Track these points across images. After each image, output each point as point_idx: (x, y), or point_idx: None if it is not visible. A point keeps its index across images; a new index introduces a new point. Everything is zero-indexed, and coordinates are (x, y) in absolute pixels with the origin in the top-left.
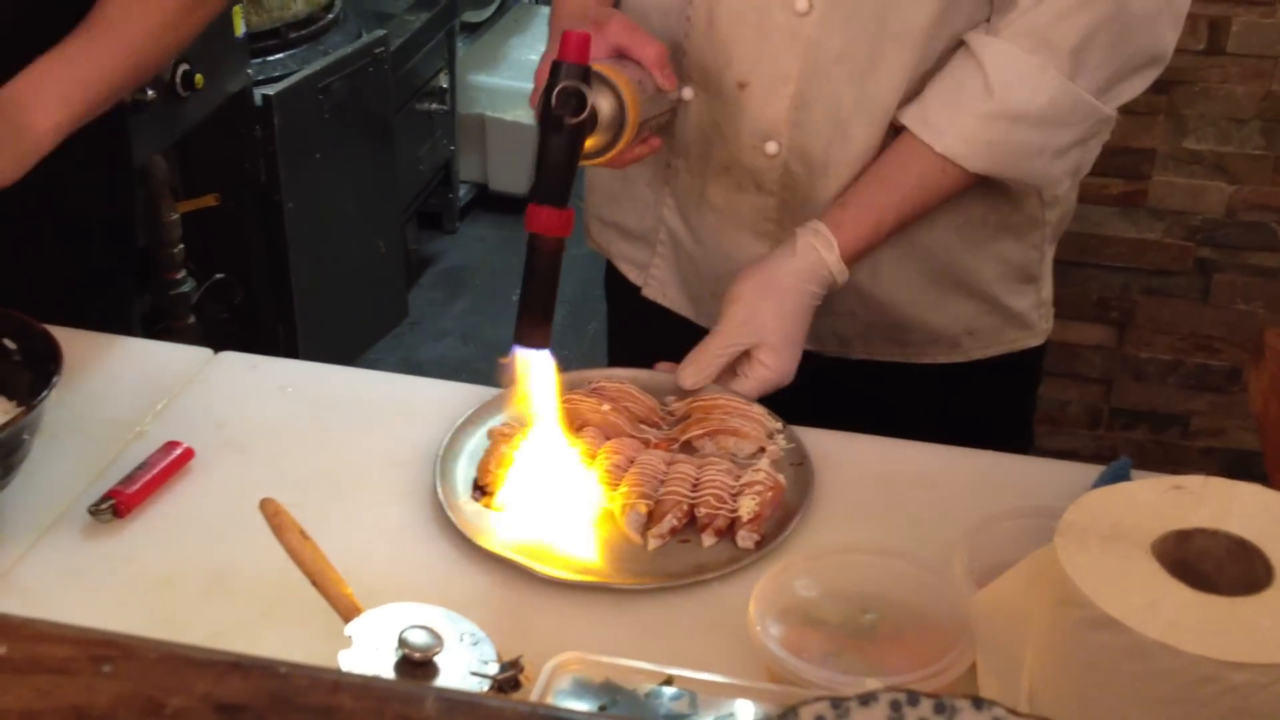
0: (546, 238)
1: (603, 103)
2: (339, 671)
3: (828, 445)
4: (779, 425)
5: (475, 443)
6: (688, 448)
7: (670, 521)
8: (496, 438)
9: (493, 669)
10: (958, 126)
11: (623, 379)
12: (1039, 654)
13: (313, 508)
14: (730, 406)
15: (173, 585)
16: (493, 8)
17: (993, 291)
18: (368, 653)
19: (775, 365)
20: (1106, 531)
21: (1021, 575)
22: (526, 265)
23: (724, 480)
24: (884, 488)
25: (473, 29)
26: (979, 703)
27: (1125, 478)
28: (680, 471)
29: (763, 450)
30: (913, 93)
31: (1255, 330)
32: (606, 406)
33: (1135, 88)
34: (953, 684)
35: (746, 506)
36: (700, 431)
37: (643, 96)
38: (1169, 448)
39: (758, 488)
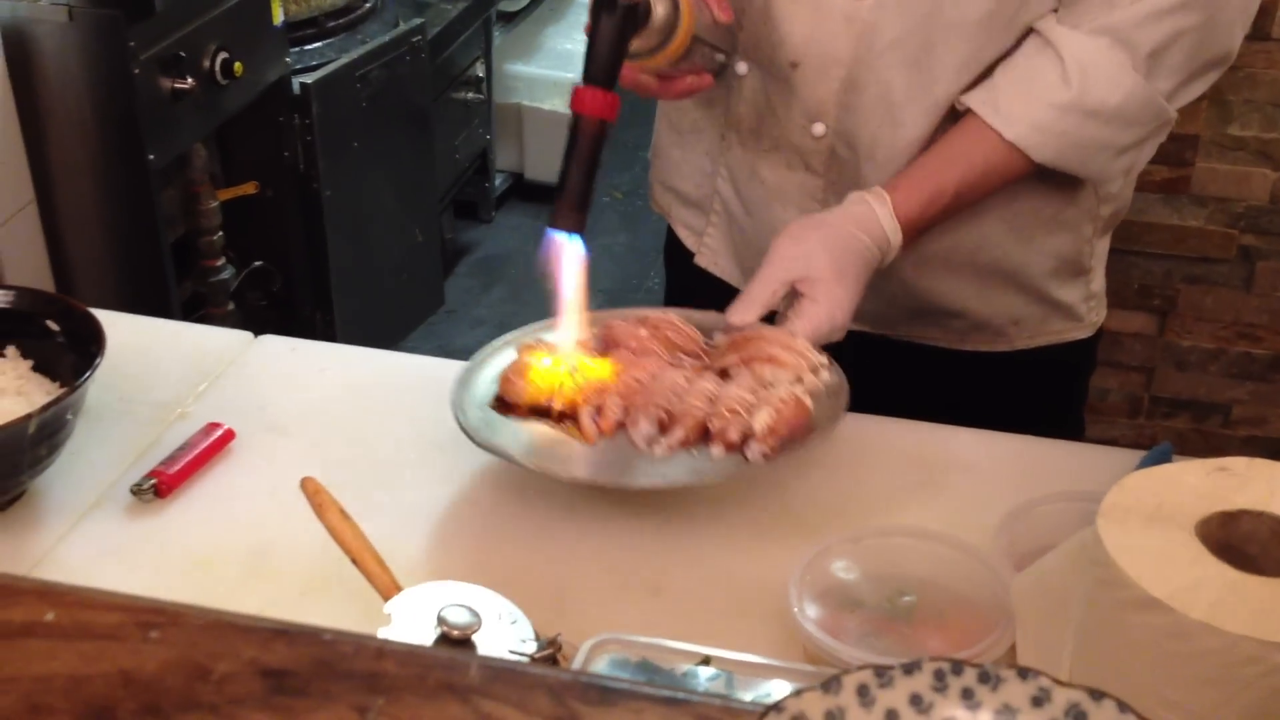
0: (590, 119)
1: (659, 2)
2: (384, 640)
3: (865, 429)
4: (824, 360)
5: (505, 358)
6: (723, 375)
7: (679, 432)
8: (523, 350)
9: (530, 647)
10: (1031, 115)
11: (670, 312)
12: (1080, 635)
13: (352, 488)
14: (773, 338)
15: (214, 564)
16: None
17: (1041, 284)
18: (407, 630)
19: (826, 299)
20: (1150, 513)
21: (1063, 557)
22: (568, 146)
23: (743, 395)
24: (923, 472)
25: (509, 18)
26: (1024, 673)
27: (1167, 461)
28: (701, 387)
29: (800, 380)
30: (968, 83)
31: None
32: (644, 331)
33: (1200, 89)
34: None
35: (761, 418)
36: (735, 358)
37: (699, 13)
38: (1210, 436)
39: (777, 402)
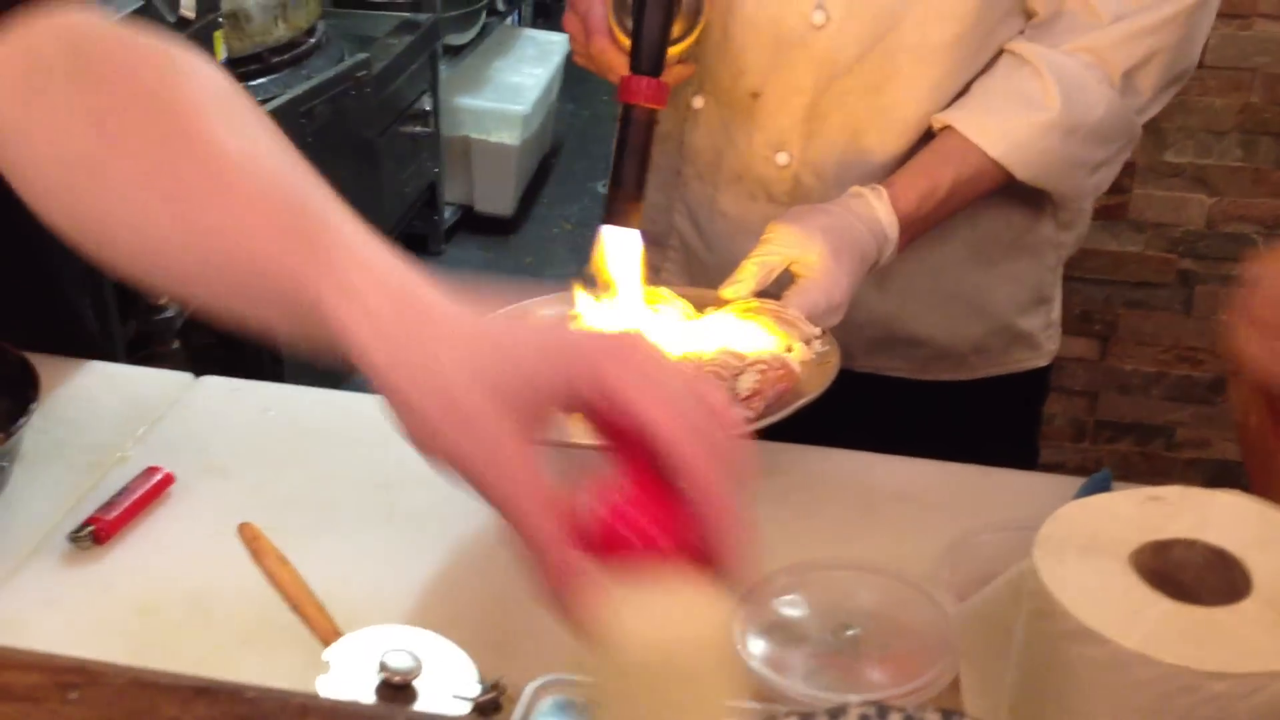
0: (641, 107)
1: None
2: (307, 695)
3: (811, 461)
4: (817, 332)
5: None
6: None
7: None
8: None
9: (474, 691)
10: (1013, 133)
11: (662, 289)
12: (1020, 667)
13: (295, 531)
14: (765, 308)
15: (154, 612)
16: (475, 30)
17: (1004, 312)
18: (348, 677)
19: (824, 278)
20: (1084, 543)
21: (1003, 588)
22: (619, 138)
23: (729, 359)
24: (868, 503)
25: (456, 51)
26: (949, 715)
27: (1106, 489)
28: (686, 353)
29: (789, 350)
30: (939, 105)
31: None
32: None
33: (1165, 102)
34: (936, 699)
35: (745, 381)
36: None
37: None
38: (1154, 459)
39: (762, 366)
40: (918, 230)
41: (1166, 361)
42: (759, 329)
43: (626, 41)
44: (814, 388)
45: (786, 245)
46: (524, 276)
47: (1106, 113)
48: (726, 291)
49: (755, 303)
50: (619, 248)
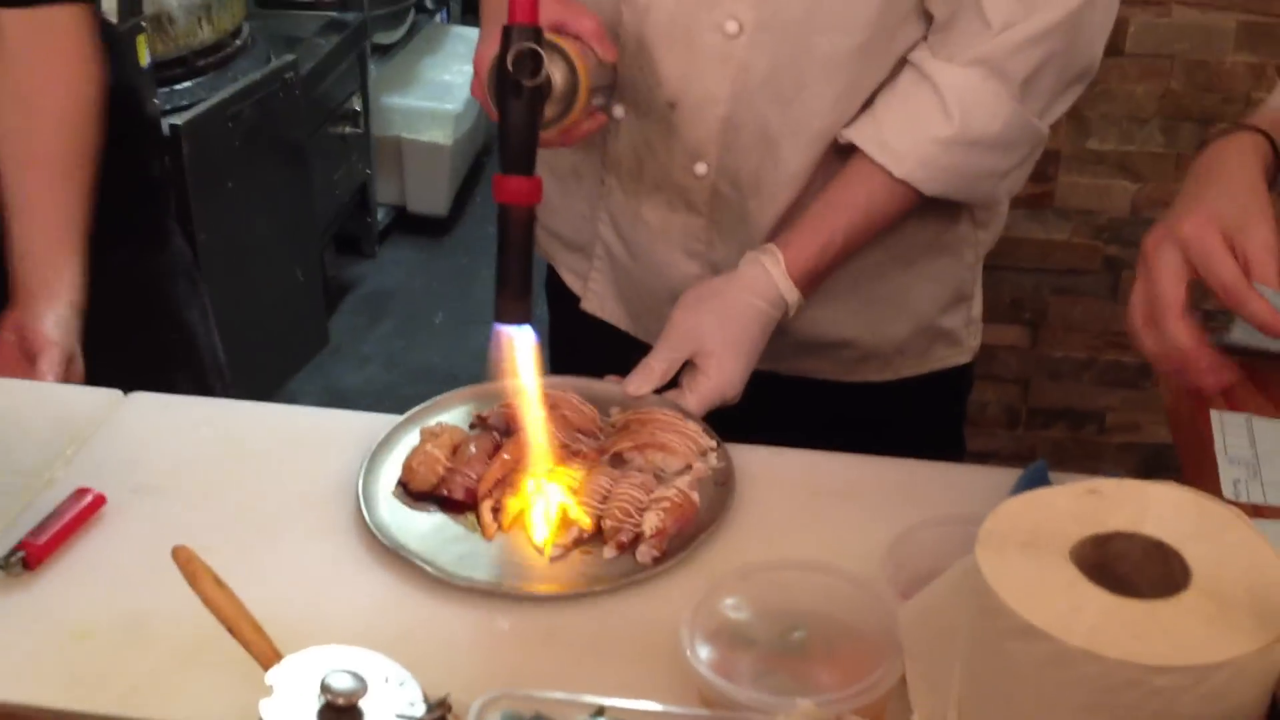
0: (518, 207)
1: (555, 70)
2: None
3: (752, 460)
4: (713, 444)
5: (409, 440)
6: (618, 460)
7: (573, 531)
8: (426, 436)
9: (419, 710)
10: (918, 151)
11: (568, 386)
12: (966, 665)
13: (231, 550)
14: (665, 421)
15: (89, 638)
16: (404, 29)
17: (924, 311)
18: (290, 700)
19: (717, 374)
20: (1025, 539)
21: (946, 586)
22: (500, 238)
23: (635, 494)
24: (808, 501)
25: (385, 50)
26: None
27: (1044, 479)
28: (595, 483)
29: (689, 467)
30: (847, 114)
31: None
32: (543, 413)
33: (1069, 103)
34: (883, 697)
35: (650, 521)
36: (629, 444)
37: (591, 64)
38: (1086, 444)
39: (665, 504)
40: (824, 277)
41: (1096, 347)
42: (660, 455)
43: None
44: (713, 512)
45: (683, 342)
46: (459, 277)
47: (1007, 123)
48: (631, 388)
49: (658, 411)
50: (515, 345)
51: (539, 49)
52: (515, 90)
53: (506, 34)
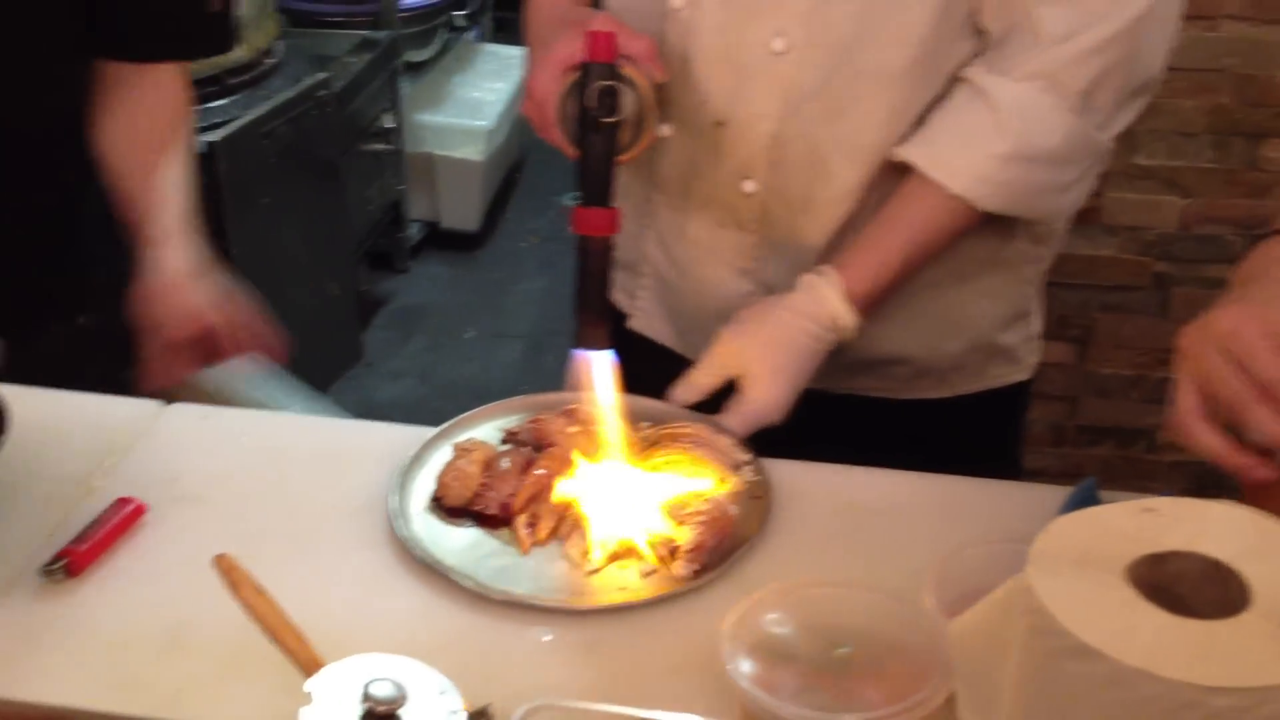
0: (596, 238)
1: (626, 101)
2: None
3: (794, 476)
4: (747, 457)
5: (442, 455)
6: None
7: (610, 548)
8: (459, 452)
9: (460, 719)
10: (973, 168)
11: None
12: (1016, 685)
13: (271, 559)
14: (698, 435)
15: (130, 645)
16: (435, 47)
17: (981, 327)
18: (330, 708)
19: (759, 397)
20: (1079, 558)
21: (997, 604)
22: (579, 268)
23: (671, 514)
24: (851, 518)
25: (416, 68)
26: None
27: (1093, 498)
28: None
29: (723, 481)
30: (899, 131)
31: None
32: (574, 428)
33: (1132, 116)
34: (930, 717)
35: (687, 535)
36: (661, 459)
37: (651, 86)
38: (1136, 463)
39: (701, 517)
40: (882, 299)
41: (1144, 364)
42: (693, 473)
43: (575, 154)
44: (750, 525)
45: (728, 363)
46: (491, 292)
47: (1066, 137)
48: (677, 395)
49: (690, 425)
50: (595, 370)
51: (618, 86)
52: (594, 126)
53: (585, 71)
